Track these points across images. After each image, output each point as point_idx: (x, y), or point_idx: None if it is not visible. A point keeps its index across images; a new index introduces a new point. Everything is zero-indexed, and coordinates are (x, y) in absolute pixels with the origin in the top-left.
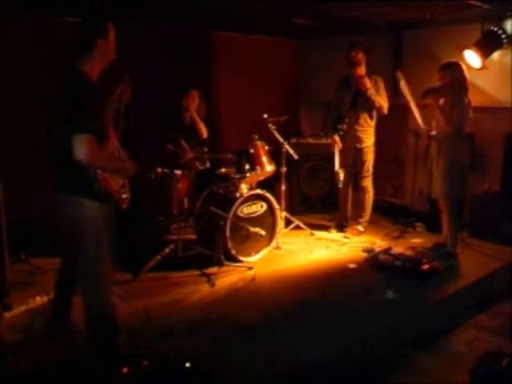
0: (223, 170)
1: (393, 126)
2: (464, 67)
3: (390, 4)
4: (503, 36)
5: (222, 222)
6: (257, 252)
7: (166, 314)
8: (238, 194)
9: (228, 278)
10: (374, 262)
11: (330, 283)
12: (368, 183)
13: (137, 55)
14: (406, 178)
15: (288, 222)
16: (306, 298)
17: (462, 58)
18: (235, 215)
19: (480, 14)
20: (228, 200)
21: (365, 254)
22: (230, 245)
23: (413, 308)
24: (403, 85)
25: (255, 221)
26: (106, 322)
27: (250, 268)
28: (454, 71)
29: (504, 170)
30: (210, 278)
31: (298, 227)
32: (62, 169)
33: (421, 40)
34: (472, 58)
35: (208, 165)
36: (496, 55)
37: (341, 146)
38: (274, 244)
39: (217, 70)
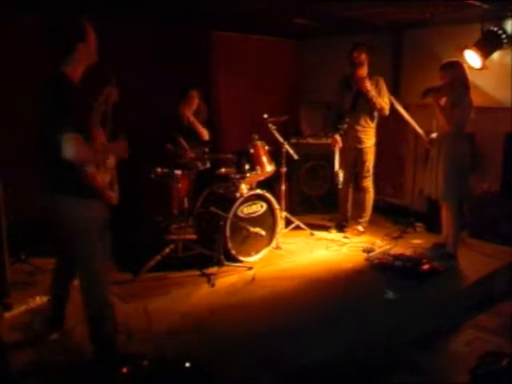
0: (223, 170)
1: (393, 126)
2: (465, 66)
3: (390, 4)
4: (503, 36)
5: (221, 222)
6: (257, 252)
7: (166, 314)
8: (238, 194)
9: (228, 278)
10: (374, 263)
11: (330, 283)
12: (368, 183)
13: (136, 55)
14: (406, 178)
15: (288, 222)
16: (306, 298)
17: (462, 58)
18: (235, 215)
19: (480, 14)
20: (228, 200)
21: (365, 255)
22: (229, 245)
23: (413, 308)
24: (397, 105)
25: (255, 221)
26: (105, 320)
27: (250, 268)
28: (455, 70)
29: (504, 170)
30: (209, 278)
31: (298, 227)
32: (51, 168)
33: (421, 40)
34: (472, 58)
35: (208, 165)
36: (496, 55)
37: (341, 145)
38: (274, 244)
39: (217, 70)
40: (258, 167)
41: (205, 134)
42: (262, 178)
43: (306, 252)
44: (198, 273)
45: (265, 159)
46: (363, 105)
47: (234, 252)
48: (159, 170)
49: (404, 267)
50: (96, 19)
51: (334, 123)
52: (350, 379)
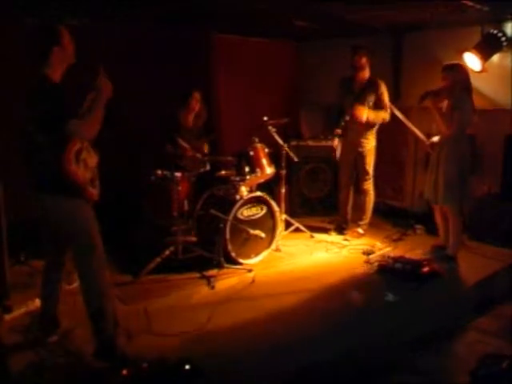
0: (223, 172)
1: (393, 129)
2: (467, 69)
3: (390, 6)
4: (503, 39)
5: (221, 225)
6: (257, 254)
7: (166, 316)
8: (237, 197)
9: (228, 280)
10: (374, 265)
11: (329, 286)
12: (369, 186)
13: (136, 57)
14: (406, 181)
15: (288, 225)
16: (305, 301)
17: (462, 60)
18: (235, 217)
19: (480, 16)
20: (228, 202)
21: (365, 257)
22: (229, 247)
23: (413, 310)
24: (397, 113)
25: (255, 223)
26: (106, 317)
27: (250, 270)
28: (456, 73)
29: (503, 172)
30: (209, 281)
31: (297, 230)
32: (37, 168)
33: (421, 43)
34: (472, 60)
35: (208, 167)
36: (496, 58)
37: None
38: (273, 246)
39: (217, 72)
40: (257, 169)
41: (205, 148)
42: (261, 180)
43: (305, 254)
44: (197, 275)
45: (265, 161)
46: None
47: (233, 254)
48: (159, 172)
49: (404, 269)
50: (96, 20)
51: (336, 120)
52: (350, 380)
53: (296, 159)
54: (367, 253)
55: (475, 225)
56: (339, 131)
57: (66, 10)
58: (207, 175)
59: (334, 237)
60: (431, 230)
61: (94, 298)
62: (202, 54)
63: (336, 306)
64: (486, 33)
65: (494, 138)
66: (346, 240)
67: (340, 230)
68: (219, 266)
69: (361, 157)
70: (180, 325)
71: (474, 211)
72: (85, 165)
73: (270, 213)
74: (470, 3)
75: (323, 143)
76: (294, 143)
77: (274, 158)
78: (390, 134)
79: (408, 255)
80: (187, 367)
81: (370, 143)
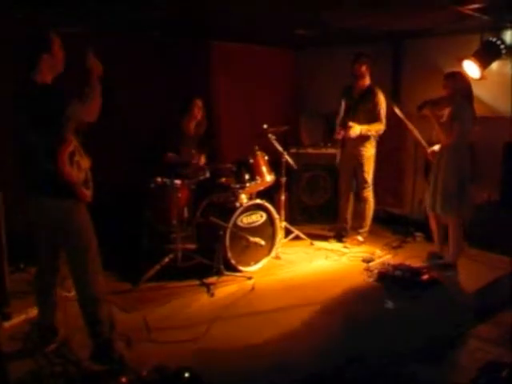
0: (223, 179)
1: (393, 135)
2: (468, 77)
3: (389, 14)
4: (502, 46)
5: (221, 232)
6: (256, 262)
7: (166, 323)
8: (237, 204)
9: (227, 287)
10: (373, 272)
11: (329, 294)
12: (368, 194)
13: (136, 65)
14: (405, 188)
15: (288, 232)
16: (304, 309)
17: (461, 68)
18: (235, 225)
19: (479, 24)
20: (228, 210)
21: (364, 264)
22: (229, 254)
23: (413, 318)
24: (399, 113)
25: (255, 231)
26: (102, 320)
27: (250, 278)
28: (457, 81)
29: (503, 180)
30: (209, 288)
31: (297, 237)
32: (31, 170)
33: (420, 50)
34: (471, 68)
35: (208, 174)
36: (495, 65)
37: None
38: (273, 254)
39: (217, 80)
40: (257, 177)
41: (202, 160)
42: (261, 187)
43: (305, 262)
44: (197, 282)
45: (264, 169)
46: (363, 115)
47: (233, 262)
48: (159, 179)
49: (404, 277)
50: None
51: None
52: None
53: (296, 167)
54: (367, 260)
55: (475, 232)
56: (339, 135)
57: (64, 16)
58: (207, 182)
59: (333, 244)
60: (431, 237)
61: (89, 301)
62: (202, 61)
63: (335, 314)
64: (486, 40)
65: (493, 145)
66: (345, 247)
67: (340, 238)
68: (219, 274)
69: (359, 165)
70: (179, 333)
71: (473, 219)
72: (78, 166)
73: (270, 220)
74: (470, 12)
75: (323, 151)
76: (293, 151)
77: (274, 166)
78: (389, 141)
79: (408, 263)
80: (186, 375)
81: (368, 151)
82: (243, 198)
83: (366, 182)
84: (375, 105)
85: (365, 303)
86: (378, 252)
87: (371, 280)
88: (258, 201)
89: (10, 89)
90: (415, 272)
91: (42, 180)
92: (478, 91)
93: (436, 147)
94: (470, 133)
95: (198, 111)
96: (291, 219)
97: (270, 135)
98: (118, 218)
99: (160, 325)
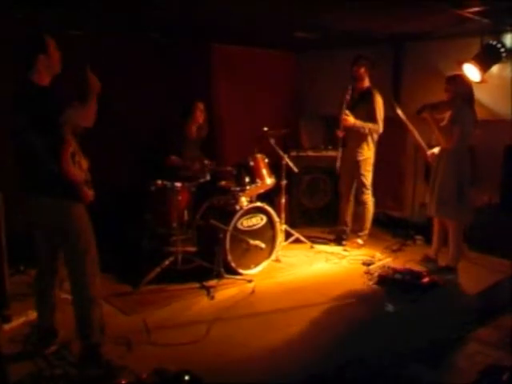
0: (223, 182)
1: (393, 138)
2: (469, 80)
3: (390, 17)
4: (502, 50)
5: (221, 235)
6: (256, 265)
7: (166, 326)
8: (237, 207)
9: (227, 290)
10: (373, 275)
11: (329, 297)
12: (367, 197)
13: (136, 67)
14: (405, 191)
15: (288, 235)
16: (305, 311)
17: (461, 71)
18: (235, 228)
19: (479, 27)
20: (228, 213)
21: (365, 267)
22: (229, 257)
23: (413, 321)
24: (400, 113)
25: (255, 233)
26: (93, 324)
27: (250, 281)
28: (457, 84)
29: (503, 183)
30: (209, 291)
31: (297, 240)
32: (31, 170)
33: (421, 53)
34: (471, 71)
35: (208, 177)
36: (495, 68)
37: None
38: (273, 257)
39: (217, 83)
40: (258, 180)
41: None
42: (262, 190)
43: (305, 265)
44: (197, 285)
45: (265, 172)
46: (361, 116)
47: (233, 264)
48: (159, 182)
49: (404, 280)
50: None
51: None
52: None
53: (296, 170)
54: (367, 263)
55: (475, 235)
56: (340, 133)
57: (64, 17)
58: (207, 185)
59: (333, 247)
60: (431, 240)
61: (85, 302)
62: (203, 63)
63: (335, 317)
64: (486, 44)
65: (493, 148)
66: (345, 250)
67: (340, 241)
68: (219, 277)
69: (357, 166)
70: (179, 335)
71: (473, 222)
72: (79, 166)
73: (270, 223)
74: (470, 15)
75: (323, 153)
76: (293, 154)
77: (274, 169)
78: (390, 144)
79: (408, 266)
80: (186, 378)
81: (364, 153)
82: (243, 200)
83: (364, 185)
84: (371, 106)
85: (365, 306)
86: (378, 255)
87: (371, 283)
88: (259, 204)
89: (9, 89)
90: (415, 275)
91: (43, 180)
92: (478, 94)
93: (436, 150)
94: (471, 136)
95: (200, 114)
96: (291, 222)
97: (270, 138)
98: (119, 220)
99: (160, 327)
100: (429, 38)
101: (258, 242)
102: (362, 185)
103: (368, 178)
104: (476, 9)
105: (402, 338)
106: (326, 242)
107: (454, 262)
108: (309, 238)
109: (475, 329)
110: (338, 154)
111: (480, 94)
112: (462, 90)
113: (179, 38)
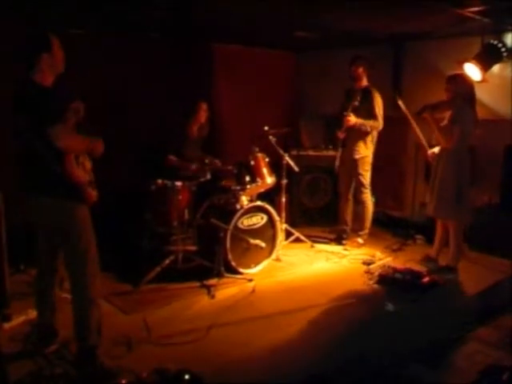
0: (224, 181)
1: (393, 138)
2: (470, 80)
3: (390, 16)
4: (503, 49)
5: (222, 234)
6: (257, 264)
7: (166, 325)
8: (238, 206)
9: (228, 289)
10: (373, 275)
11: (329, 296)
12: (366, 197)
13: (136, 67)
14: (406, 191)
15: (288, 234)
16: (306, 311)
17: (462, 71)
18: (235, 227)
19: (480, 27)
20: (228, 212)
21: (365, 267)
22: (230, 256)
23: (413, 321)
24: (403, 108)
25: (255, 233)
26: (91, 326)
27: (250, 280)
28: (458, 84)
29: (503, 183)
30: (209, 290)
31: (298, 239)
32: (34, 171)
33: (421, 53)
34: (472, 71)
35: (209, 176)
36: (496, 68)
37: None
38: (274, 256)
39: (218, 82)
40: (258, 179)
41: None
42: (262, 189)
43: (306, 264)
44: (197, 284)
45: (265, 171)
46: (362, 115)
47: (234, 264)
48: (160, 181)
49: (404, 280)
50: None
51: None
52: None
53: (297, 169)
54: (367, 263)
55: (475, 235)
56: (341, 135)
57: (64, 16)
58: (208, 184)
59: (334, 247)
60: (431, 240)
61: (84, 302)
62: (203, 63)
63: (336, 316)
64: (486, 43)
65: (494, 147)
66: (346, 250)
67: (340, 240)
68: (219, 276)
69: (355, 165)
70: (180, 334)
71: (474, 221)
72: (83, 168)
73: (271, 222)
74: (471, 14)
75: (324, 153)
76: (294, 153)
77: (275, 168)
78: (390, 144)
79: (408, 265)
80: (187, 377)
81: (362, 151)
82: (244, 200)
83: (362, 184)
84: (371, 104)
85: (365, 306)
86: (379, 254)
87: (371, 282)
88: (259, 203)
89: (9, 89)
90: (416, 275)
91: (46, 181)
92: (478, 94)
93: (436, 149)
94: (471, 136)
95: (203, 114)
96: (292, 221)
97: (270, 137)
98: (119, 219)
99: (160, 326)
100: (429, 38)
101: (258, 241)
102: (360, 184)
103: (366, 177)
104: (477, 8)
105: (402, 338)
106: (327, 241)
107: (455, 261)
108: (309, 237)
109: (475, 328)
110: (337, 153)
111: (480, 94)
112: (463, 90)
113: (179, 37)
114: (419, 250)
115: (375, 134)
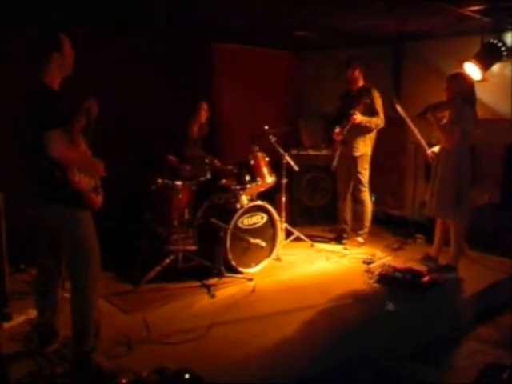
0: (224, 181)
1: (393, 137)
2: (470, 79)
3: (390, 16)
4: (503, 48)
5: (222, 233)
6: (257, 263)
7: (166, 325)
8: (238, 206)
9: (228, 289)
10: (374, 274)
11: (329, 295)
12: (364, 196)
13: (137, 67)
14: (406, 190)
15: (288, 234)
16: (306, 310)
17: (462, 70)
18: (235, 226)
19: (480, 26)
20: (228, 211)
21: (365, 266)
22: (230, 256)
23: (413, 320)
24: (401, 112)
25: (255, 232)
26: (88, 332)
27: (251, 279)
28: (458, 83)
29: (503, 182)
30: (210, 289)
31: (298, 239)
32: (40, 179)
33: (421, 52)
34: (472, 70)
35: (209, 176)
36: (496, 67)
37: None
38: (274, 255)
39: (218, 82)
40: (258, 178)
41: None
42: (262, 189)
43: (306, 263)
44: (198, 284)
45: (265, 170)
46: (360, 111)
47: (234, 263)
48: (160, 181)
49: (404, 279)
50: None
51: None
52: None
53: (297, 169)
54: (367, 262)
55: (475, 234)
56: (339, 136)
57: (64, 16)
58: (208, 184)
59: (334, 246)
60: (431, 239)
61: (85, 304)
62: (204, 63)
63: (336, 315)
64: (486, 42)
65: (494, 147)
66: (346, 249)
67: (340, 239)
68: (219, 275)
69: (354, 163)
70: (180, 334)
71: (474, 221)
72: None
73: (271, 222)
74: (471, 13)
75: (324, 152)
76: (294, 152)
77: (275, 167)
78: (390, 143)
79: (408, 264)
80: (187, 376)
81: (361, 149)
82: (244, 199)
83: (361, 183)
84: (371, 101)
85: (365, 305)
86: (379, 254)
87: (372, 282)
88: (259, 202)
89: (9, 89)
90: (416, 274)
91: (48, 187)
92: (478, 93)
93: (435, 148)
94: (471, 135)
95: (204, 114)
96: (292, 221)
97: (270, 136)
98: (119, 219)
99: (160, 326)
100: (429, 38)
101: (258, 241)
102: (359, 182)
103: (365, 175)
104: (477, 7)
105: (403, 337)
106: (327, 240)
107: (455, 261)
108: (309, 236)
109: (475, 328)
110: (336, 153)
111: (480, 93)
112: (463, 89)
113: (179, 37)
114: (419, 249)
115: (374, 132)
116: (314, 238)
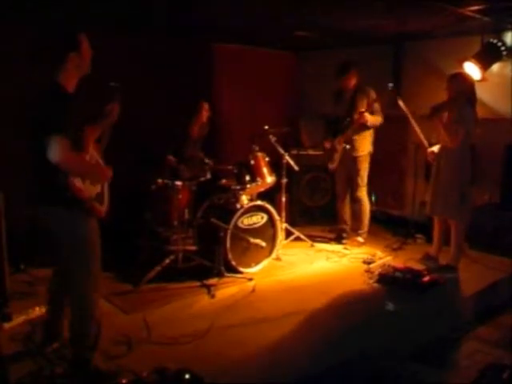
0: (224, 181)
1: (393, 137)
2: (471, 79)
3: (390, 16)
4: (503, 48)
5: (222, 233)
6: (257, 263)
7: (166, 325)
8: (238, 205)
9: (228, 289)
10: (374, 274)
11: (330, 295)
12: (362, 193)
13: (136, 67)
14: (406, 190)
15: (288, 234)
16: (306, 310)
17: (462, 69)
18: (235, 226)
19: (480, 26)
20: (228, 211)
21: (365, 266)
22: (230, 256)
23: (413, 320)
24: (404, 107)
25: (255, 232)
26: (88, 336)
27: (251, 279)
28: (458, 83)
29: (503, 182)
30: (210, 289)
31: (298, 238)
32: (41, 180)
33: (421, 52)
34: (472, 69)
35: (209, 176)
36: (496, 67)
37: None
38: (274, 255)
39: (218, 82)
40: (258, 178)
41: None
42: (262, 189)
43: (306, 263)
44: (198, 284)
45: (265, 170)
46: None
47: (234, 263)
48: (160, 181)
49: (404, 279)
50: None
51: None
52: None
53: (297, 168)
54: (367, 262)
55: (475, 234)
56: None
57: (64, 16)
58: (208, 184)
59: (334, 246)
60: (431, 238)
61: (83, 310)
62: (204, 62)
63: (336, 315)
64: (486, 42)
65: (494, 146)
66: (346, 249)
67: (340, 239)
68: (219, 275)
69: (354, 162)
70: (180, 334)
71: (474, 221)
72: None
73: (271, 222)
74: (471, 13)
75: (324, 152)
76: (294, 152)
77: (275, 167)
78: (390, 142)
79: (408, 264)
80: (187, 376)
81: (363, 149)
82: (244, 199)
83: (361, 180)
84: (370, 101)
85: (365, 304)
86: (379, 253)
87: (372, 281)
88: (259, 202)
89: (9, 89)
90: (416, 274)
91: (49, 189)
92: (478, 93)
93: (435, 148)
94: (472, 135)
95: (205, 114)
96: (292, 220)
97: (270, 136)
98: (119, 219)
99: (160, 326)
100: (429, 38)
101: (258, 241)
102: (359, 180)
103: (364, 175)
104: (477, 7)
105: (403, 337)
106: (327, 240)
107: (455, 261)
108: (309, 236)
109: (475, 327)
110: (336, 154)
111: (480, 93)
112: (464, 89)
113: (179, 37)
114: (419, 249)
115: (373, 131)
116: (313, 238)
